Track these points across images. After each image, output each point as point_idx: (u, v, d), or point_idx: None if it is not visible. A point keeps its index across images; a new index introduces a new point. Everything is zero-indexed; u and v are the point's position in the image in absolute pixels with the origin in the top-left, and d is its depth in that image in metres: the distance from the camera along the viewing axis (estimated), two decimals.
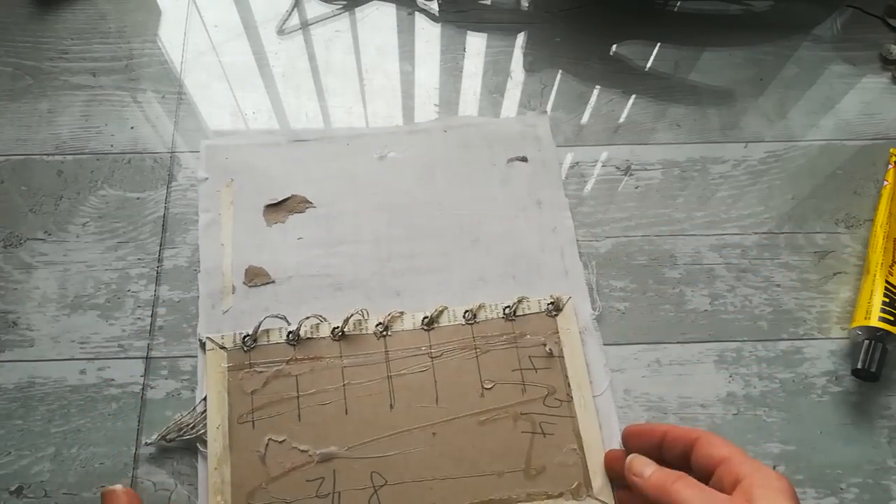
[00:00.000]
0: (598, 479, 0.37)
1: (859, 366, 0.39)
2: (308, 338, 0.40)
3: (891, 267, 0.42)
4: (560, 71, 0.52)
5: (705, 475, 0.31)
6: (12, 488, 0.37)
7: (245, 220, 0.45)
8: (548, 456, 0.37)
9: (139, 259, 0.44)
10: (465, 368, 0.40)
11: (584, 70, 0.52)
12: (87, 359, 0.40)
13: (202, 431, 0.37)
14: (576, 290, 0.43)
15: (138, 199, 0.46)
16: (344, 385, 0.39)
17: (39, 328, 0.41)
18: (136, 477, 0.37)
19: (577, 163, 0.48)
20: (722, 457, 0.31)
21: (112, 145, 0.48)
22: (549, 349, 0.40)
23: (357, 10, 0.54)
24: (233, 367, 0.39)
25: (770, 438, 0.39)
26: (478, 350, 0.40)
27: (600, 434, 0.38)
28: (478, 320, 0.41)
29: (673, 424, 0.35)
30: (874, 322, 0.40)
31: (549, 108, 0.50)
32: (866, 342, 0.40)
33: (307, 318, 0.40)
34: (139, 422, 0.39)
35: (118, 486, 0.34)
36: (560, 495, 0.36)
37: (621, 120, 0.50)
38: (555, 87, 0.51)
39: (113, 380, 0.40)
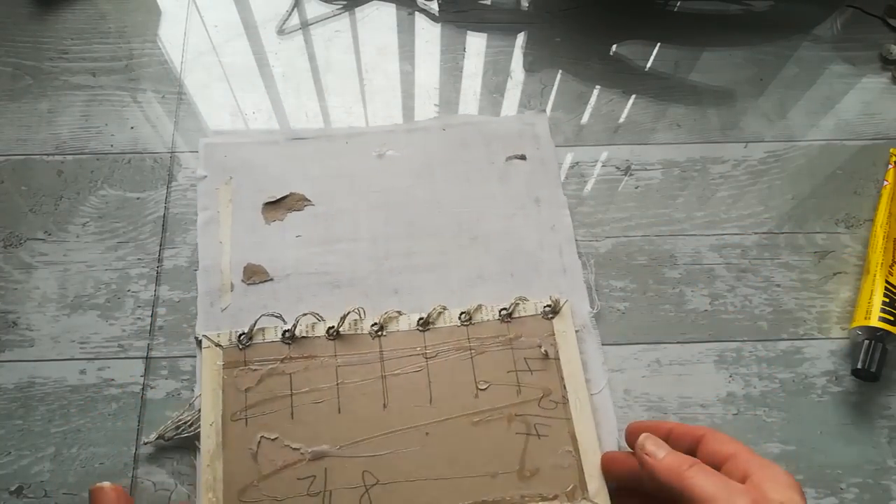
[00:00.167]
0: (594, 482, 0.36)
1: (859, 366, 0.39)
2: (303, 336, 0.40)
3: (891, 267, 0.42)
4: (560, 71, 0.52)
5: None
6: (12, 488, 0.37)
7: (244, 218, 0.45)
8: (542, 458, 0.37)
9: (139, 259, 0.44)
10: (460, 369, 0.40)
11: (584, 70, 0.52)
12: (87, 359, 0.40)
13: (200, 429, 0.37)
14: (574, 289, 0.43)
15: (138, 199, 0.46)
16: (338, 384, 0.39)
17: (39, 328, 0.41)
18: (135, 477, 0.37)
19: (577, 163, 0.48)
20: (729, 453, 0.31)
21: (112, 145, 0.48)
22: (545, 351, 0.40)
23: (357, 10, 0.54)
24: (228, 364, 0.39)
25: (770, 438, 0.39)
26: (473, 351, 0.40)
27: (596, 437, 0.38)
28: (473, 322, 0.41)
29: (677, 423, 0.35)
30: (874, 322, 0.40)
31: (549, 108, 0.50)
32: (866, 342, 0.40)
33: (304, 314, 0.40)
34: (139, 422, 0.39)
35: (106, 484, 0.34)
36: (555, 498, 0.36)
37: (621, 120, 0.50)
38: (555, 87, 0.51)
39: (113, 380, 0.40)
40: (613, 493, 0.36)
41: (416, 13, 0.54)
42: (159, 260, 0.44)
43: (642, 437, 0.33)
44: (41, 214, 0.45)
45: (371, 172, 0.47)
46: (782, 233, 0.46)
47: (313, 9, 0.54)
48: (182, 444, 0.38)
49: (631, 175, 0.48)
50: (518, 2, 0.56)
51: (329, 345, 0.40)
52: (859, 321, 0.41)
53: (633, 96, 0.51)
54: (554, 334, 0.40)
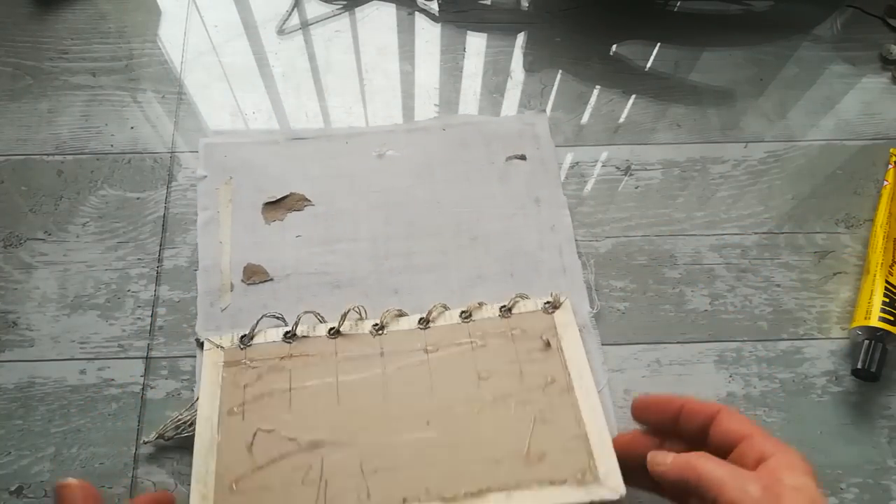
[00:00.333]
0: (604, 465, 0.35)
1: (859, 366, 0.39)
2: (304, 336, 0.40)
3: (891, 267, 0.42)
4: (560, 71, 0.52)
5: (724, 450, 0.30)
6: (12, 488, 0.37)
7: (244, 218, 0.45)
8: (549, 442, 0.36)
9: (139, 259, 0.44)
10: (462, 360, 0.39)
11: (584, 70, 0.52)
12: (87, 359, 0.40)
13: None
14: (574, 288, 0.43)
15: (138, 199, 0.46)
16: (337, 377, 0.38)
17: (39, 328, 0.41)
18: (135, 477, 0.37)
19: (577, 163, 0.48)
20: (744, 433, 0.30)
21: (112, 145, 0.48)
22: (547, 340, 0.39)
23: (357, 10, 0.54)
24: (228, 363, 0.39)
25: None
26: (473, 344, 0.40)
27: (605, 421, 0.36)
28: (474, 319, 0.41)
29: (690, 397, 0.33)
30: (874, 322, 0.40)
31: (549, 108, 0.50)
32: (866, 342, 0.40)
33: (305, 313, 0.40)
34: (139, 422, 0.39)
35: (72, 480, 0.32)
36: (564, 482, 0.34)
37: (621, 120, 0.50)
38: (555, 87, 0.51)
39: (113, 380, 0.40)
40: (627, 473, 0.35)
41: (416, 13, 0.54)
42: (159, 260, 0.44)
43: (649, 455, 0.32)
44: (41, 214, 0.45)
45: (371, 172, 0.47)
46: (782, 233, 0.46)
47: (313, 9, 0.54)
48: (182, 444, 0.38)
49: (631, 175, 0.48)
50: (518, 2, 0.56)
51: (330, 342, 0.40)
52: (859, 321, 0.41)
53: (633, 96, 0.51)
54: (556, 326, 0.40)
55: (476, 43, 0.53)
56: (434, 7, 0.55)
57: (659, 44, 0.54)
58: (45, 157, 0.47)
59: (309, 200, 0.45)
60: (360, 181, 0.46)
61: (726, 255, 0.45)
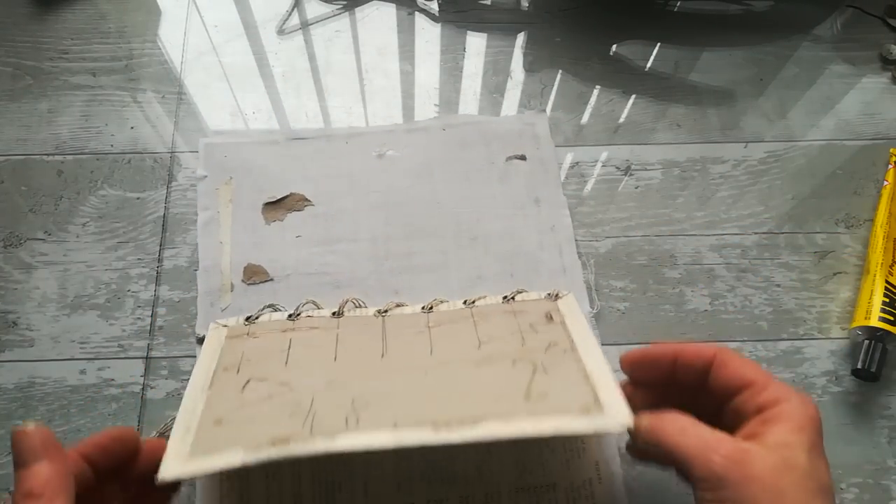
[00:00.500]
0: (609, 398, 0.31)
1: (859, 366, 0.39)
2: (308, 316, 0.40)
3: (891, 267, 0.42)
4: (560, 71, 0.52)
5: (727, 399, 0.29)
6: (12, 488, 0.37)
7: (244, 218, 0.45)
8: (550, 386, 0.32)
9: (139, 259, 0.44)
10: (463, 329, 0.38)
11: (584, 70, 0.52)
12: (87, 359, 0.40)
13: None
14: (574, 288, 0.43)
15: (138, 199, 0.46)
16: (337, 341, 0.38)
17: (39, 328, 0.41)
18: None
19: (577, 163, 0.48)
20: (746, 380, 0.28)
21: (112, 145, 0.48)
22: (550, 314, 0.38)
23: (357, 10, 0.54)
24: (231, 336, 0.38)
25: None
26: (475, 319, 0.39)
27: (611, 372, 0.32)
28: (476, 305, 0.40)
29: (683, 344, 0.31)
30: (874, 322, 0.40)
31: (549, 108, 0.50)
32: (866, 342, 0.40)
33: (305, 302, 0.40)
34: (139, 422, 0.39)
35: (29, 425, 0.27)
36: (566, 413, 0.31)
37: (621, 120, 0.50)
38: (555, 87, 0.51)
39: (113, 380, 0.40)
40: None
41: (416, 13, 0.54)
42: (159, 260, 0.44)
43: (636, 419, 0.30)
44: (41, 214, 0.45)
45: (371, 172, 0.47)
46: (782, 233, 0.46)
47: (313, 9, 0.54)
48: None
49: (631, 175, 0.48)
50: (518, 2, 0.56)
51: (333, 320, 0.40)
52: (859, 321, 0.41)
53: (633, 96, 0.51)
54: (559, 307, 0.39)
55: (476, 43, 0.53)
56: (434, 7, 0.55)
57: (659, 44, 0.54)
58: (45, 157, 0.47)
59: (309, 201, 0.45)
60: (360, 181, 0.46)
61: (726, 255, 0.45)
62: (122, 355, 0.41)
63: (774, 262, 0.45)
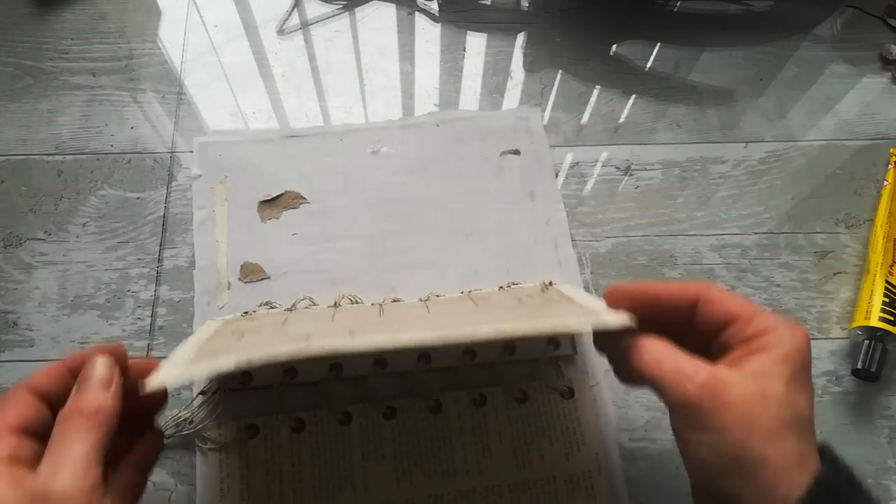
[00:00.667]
0: (609, 311, 0.31)
1: (859, 366, 0.39)
2: (306, 308, 0.40)
3: (891, 267, 0.42)
4: (560, 71, 0.52)
5: (714, 335, 0.28)
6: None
7: (239, 217, 0.45)
8: (549, 312, 0.34)
9: (139, 259, 0.44)
10: (461, 301, 0.39)
11: (584, 70, 0.52)
12: None
13: (200, 426, 0.37)
14: (570, 282, 0.43)
15: (138, 199, 0.46)
16: (335, 313, 0.38)
17: (39, 328, 0.41)
18: None
19: (576, 163, 0.48)
20: (730, 317, 0.28)
21: (112, 145, 0.48)
22: (545, 285, 0.39)
23: (357, 10, 0.54)
24: (227, 322, 0.39)
25: None
26: (473, 298, 0.39)
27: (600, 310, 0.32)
28: (472, 294, 0.41)
29: (665, 284, 0.30)
30: (874, 322, 0.40)
31: (549, 107, 0.50)
32: (866, 342, 0.40)
33: (302, 298, 0.40)
34: None
35: (99, 356, 0.28)
36: (565, 317, 0.32)
37: (621, 120, 0.50)
38: (555, 87, 0.51)
39: None
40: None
41: (416, 13, 0.54)
42: (159, 260, 0.44)
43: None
44: (41, 214, 0.45)
45: (366, 169, 0.47)
46: (782, 233, 0.46)
47: (313, 9, 0.54)
48: (182, 444, 0.38)
49: (631, 175, 0.48)
50: (518, 2, 0.56)
51: (330, 309, 0.40)
52: (859, 321, 0.41)
53: (633, 96, 0.51)
54: (553, 283, 0.40)
55: (476, 43, 0.53)
56: (434, 7, 0.55)
57: (659, 44, 0.54)
58: (45, 157, 0.47)
59: (304, 198, 0.45)
60: (354, 178, 0.46)
61: (726, 255, 0.45)
62: None
63: (774, 262, 0.45)
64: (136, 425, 0.31)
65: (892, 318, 0.40)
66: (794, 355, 0.26)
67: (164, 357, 0.40)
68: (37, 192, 0.46)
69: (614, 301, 0.31)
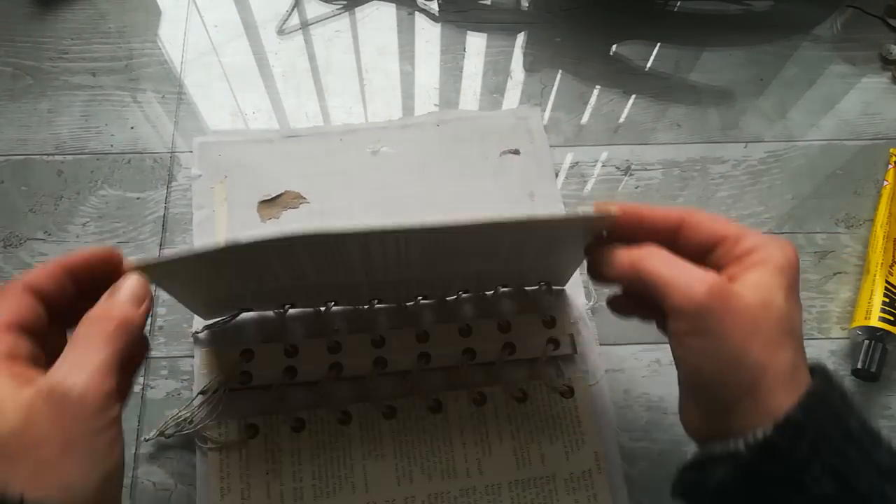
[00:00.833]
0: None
1: (859, 366, 0.39)
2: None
3: (891, 267, 0.42)
4: (560, 71, 0.52)
5: (700, 258, 0.28)
6: None
7: (239, 217, 0.45)
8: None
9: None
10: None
11: (584, 70, 0.52)
12: None
13: (200, 426, 0.37)
14: (569, 285, 0.43)
15: (138, 199, 0.46)
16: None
17: None
18: (136, 477, 0.37)
19: (576, 163, 0.48)
20: (717, 238, 0.28)
21: (112, 145, 0.48)
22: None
23: (357, 10, 0.54)
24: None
25: None
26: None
27: None
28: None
29: (650, 208, 0.29)
30: (874, 322, 0.40)
31: (549, 107, 0.50)
32: (866, 342, 0.40)
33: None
34: (139, 422, 0.39)
35: (133, 277, 0.28)
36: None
37: (621, 120, 0.50)
38: (555, 87, 0.51)
39: None
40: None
41: (416, 13, 0.54)
42: None
43: (604, 255, 0.30)
44: (41, 214, 0.45)
45: (366, 169, 0.47)
46: (782, 233, 0.46)
47: (313, 9, 0.54)
48: (182, 444, 0.38)
49: (631, 175, 0.48)
50: (518, 2, 0.56)
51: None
52: (859, 321, 0.41)
53: (633, 96, 0.51)
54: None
55: (476, 43, 0.53)
56: (434, 7, 0.55)
57: (659, 44, 0.54)
58: (45, 157, 0.47)
59: (304, 198, 0.45)
60: (354, 178, 0.46)
61: None
62: None
63: None
64: None
65: (892, 318, 0.40)
66: (787, 269, 0.26)
67: (163, 357, 0.41)
68: (37, 192, 0.46)
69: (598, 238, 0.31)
